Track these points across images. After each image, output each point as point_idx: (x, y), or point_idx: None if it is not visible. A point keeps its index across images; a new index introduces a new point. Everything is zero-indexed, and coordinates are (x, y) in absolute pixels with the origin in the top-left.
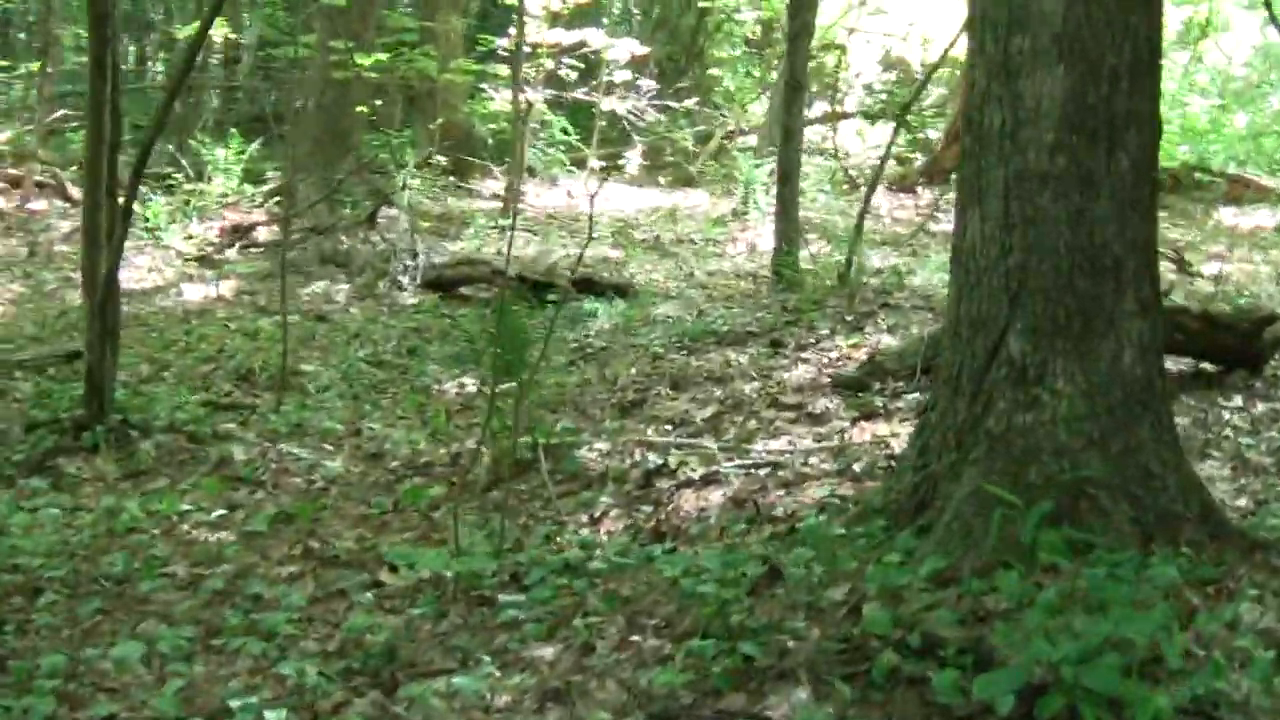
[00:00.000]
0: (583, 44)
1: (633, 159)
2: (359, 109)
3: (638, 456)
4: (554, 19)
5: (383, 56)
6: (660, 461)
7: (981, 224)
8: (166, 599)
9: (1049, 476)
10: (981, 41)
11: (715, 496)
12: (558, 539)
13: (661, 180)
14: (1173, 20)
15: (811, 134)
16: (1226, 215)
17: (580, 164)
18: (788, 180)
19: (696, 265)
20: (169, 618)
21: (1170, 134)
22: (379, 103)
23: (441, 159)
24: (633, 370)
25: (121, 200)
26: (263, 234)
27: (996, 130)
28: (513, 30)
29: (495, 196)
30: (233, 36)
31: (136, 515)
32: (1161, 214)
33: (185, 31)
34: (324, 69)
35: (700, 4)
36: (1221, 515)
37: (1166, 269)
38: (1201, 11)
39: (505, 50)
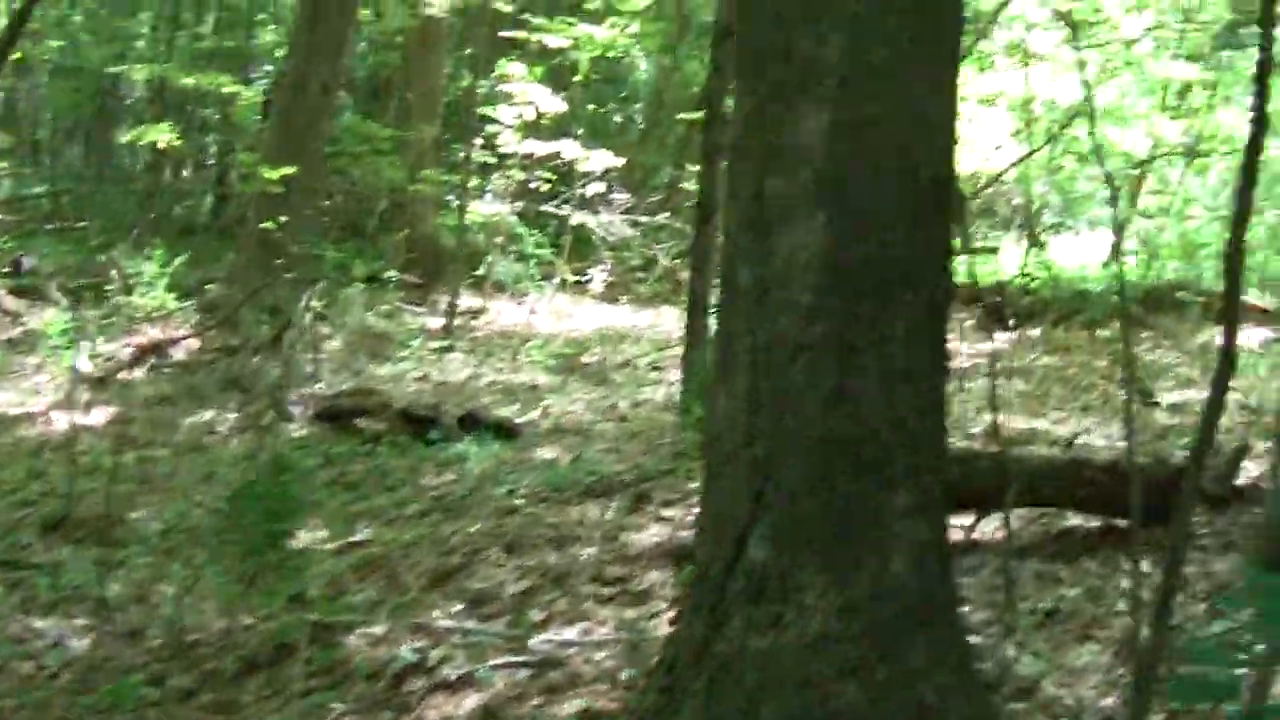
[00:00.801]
0: (557, 155)
1: (597, 276)
2: (303, 220)
3: (402, 647)
4: (529, 128)
5: (291, 170)
6: (416, 657)
7: (727, 403)
8: None
9: (790, 714)
10: (734, 183)
11: (470, 702)
12: None
13: (621, 298)
14: (1172, 133)
15: None
16: (1215, 336)
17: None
18: (695, 308)
19: (627, 394)
20: None
21: (1167, 251)
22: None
23: (393, 273)
24: (476, 527)
25: None
26: (179, 353)
27: (745, 291)
28: (478, 141)
29: (448, 313)
30: (177, 142)
31: None
32: (1145, 335)
33: (130, 135)
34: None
35: (688, 115)
36: None
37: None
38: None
39: (470, 162)
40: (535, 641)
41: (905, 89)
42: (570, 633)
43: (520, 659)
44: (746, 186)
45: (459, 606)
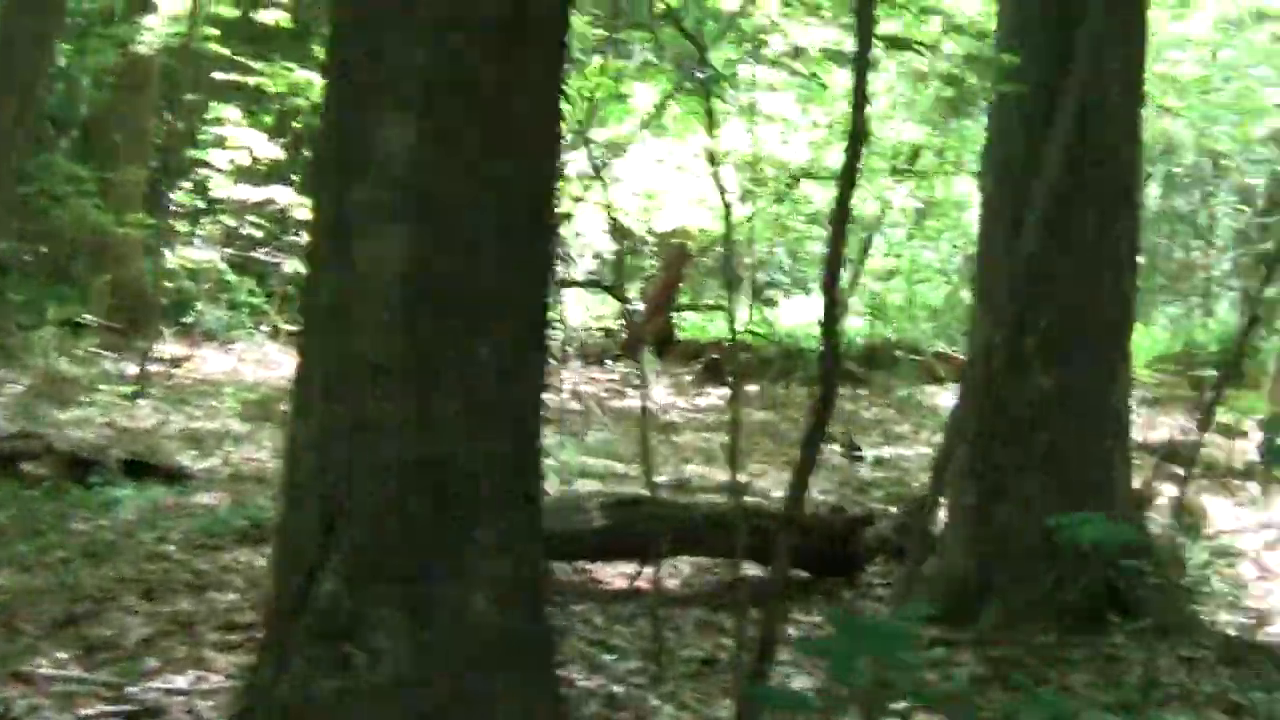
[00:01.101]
0: (270, 201)
1: None
2: None
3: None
4: (244, 174)
5: None
6: (2, 708)
7: (304, 425)
8: None
9: None
10: (316, 191)
11: None
12: None
13: None
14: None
15: None
16: (928, 394)
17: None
18: None
19: None
20: None
21: (895, 311)
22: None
23: (91, 318)
24: (116, 573)
25: None
26: None
27: (323, 307)
28: (187, 184)
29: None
30: None
31: None
32: (861, 392)
33: None
34: None
35: None
36: None
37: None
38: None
39: (180, 206)
40: (139, 689)
41: (497, 103)
42: (181, 680)
43: (115, 708)
44: (328, 194)
45: (73, 654)
